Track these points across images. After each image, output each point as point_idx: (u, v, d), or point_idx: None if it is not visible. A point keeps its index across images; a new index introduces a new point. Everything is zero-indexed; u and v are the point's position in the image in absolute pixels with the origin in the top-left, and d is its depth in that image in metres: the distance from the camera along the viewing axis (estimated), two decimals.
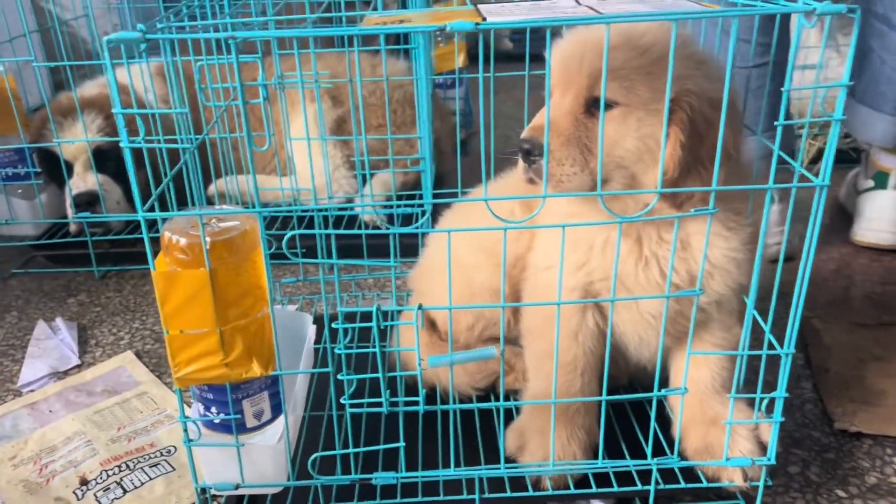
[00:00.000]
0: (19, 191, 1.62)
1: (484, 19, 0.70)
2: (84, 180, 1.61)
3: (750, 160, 0.90)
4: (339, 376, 0.83)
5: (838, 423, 1.09)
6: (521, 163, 0.83)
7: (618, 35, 0.81)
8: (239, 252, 0.79)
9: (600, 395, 0.88)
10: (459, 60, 2.10)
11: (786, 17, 1.10)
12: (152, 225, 0.80)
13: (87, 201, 1.58)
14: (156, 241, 0.82)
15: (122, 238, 1.64)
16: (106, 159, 1.63)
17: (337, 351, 0.81)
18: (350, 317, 1.24)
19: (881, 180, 1.61)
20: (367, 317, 1.17)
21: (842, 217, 1.73)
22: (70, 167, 1.62)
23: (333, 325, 0.83)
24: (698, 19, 1.01)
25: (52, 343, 1.38)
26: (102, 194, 1.60)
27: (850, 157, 1.98)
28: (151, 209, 0.80)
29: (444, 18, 0.76)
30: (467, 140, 2.24)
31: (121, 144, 0.75)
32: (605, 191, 0.82)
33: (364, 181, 1.64)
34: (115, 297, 1.55)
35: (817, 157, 2.01)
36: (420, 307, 0.80)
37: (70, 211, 1.62)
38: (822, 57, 0.91)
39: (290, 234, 0.78)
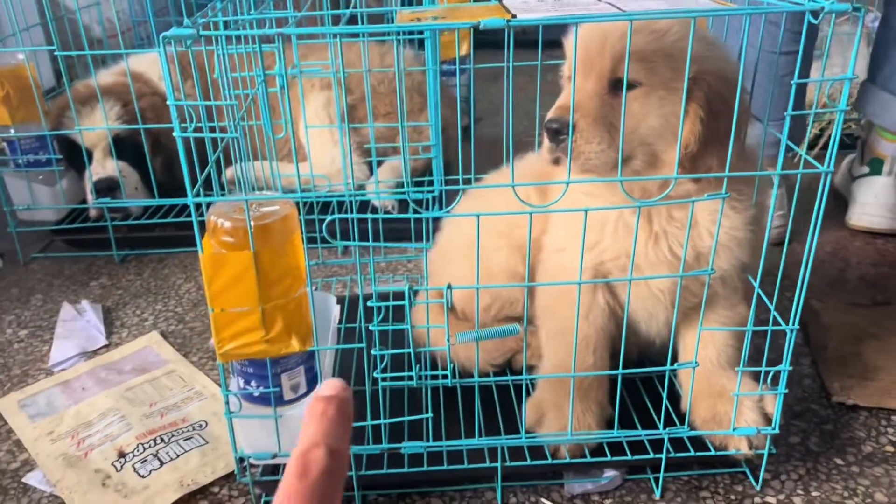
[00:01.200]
0: (40, 177, 1.65)
1: (514, 16, 0.75)
2: (103, 167, 1.65)
3: (755, 144, 0.95)
4: (372, 352, 0.88)
5: (836, 397, 1.15)
6: (546, 143, 0.88)
7: (618, 27, 0.86)
8: (280, 235, 0.84)
9: (612, 370, 0.94)
10: (463, 49, 2.14)
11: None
12: (198, 207, 0.84)
13: (108, 187, 1.62)
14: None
15: (141, 223, 1.69)
16: (124, 146, 1.67)
17: (371, 328, 0.86)
18: (382, 297, 1.30)
19: (876, 166, 1.67)
20: (397, 296, 1.22)
21: (837, 202, 1.80)
22: (89, 154, 1.66)
23: (368, 304, 0.88)
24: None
25: (79, 324, 1.43)
26: (122, 180, 1.64)
27: (845, 143, 2.04)
28: (197, 195, 0.84)
29: (473, 15, 0.81)
30: (470, 126, 2.28)
31: (174, 134, 0.79)
32: (627, 168, 0.88)
33: (374, 167, 1.68)
34: (135, 280, 1.60)
35: (813, 144, 2.07)
36: (449, 286, 0.85)
37: (90, 196, 1.66)
38: (828, 48, 0.96)
39: (329, 217, 0.83)
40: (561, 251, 0.99)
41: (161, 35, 0.73)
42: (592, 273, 0.96)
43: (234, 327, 0.85)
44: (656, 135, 0.87)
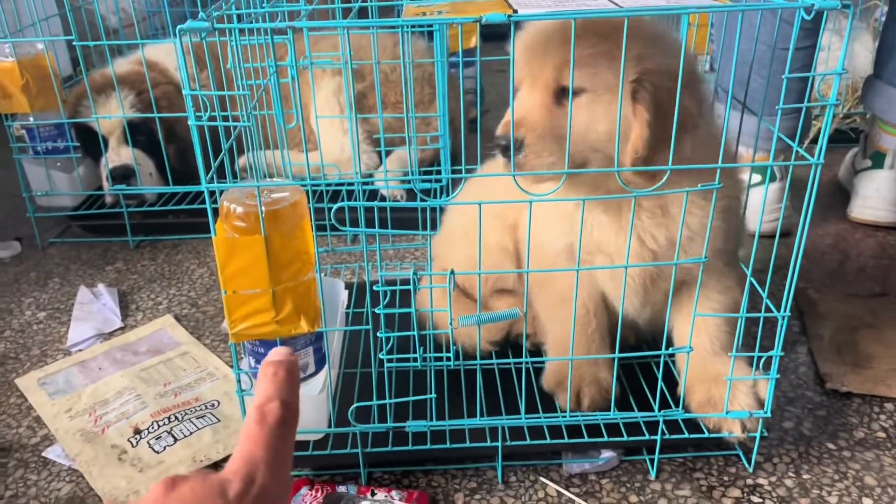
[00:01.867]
0: (58, 164, 1.70)
1: (515, 11, 0.78)
2: (119, 154, 1.69)
3: (720, 126, 0.94)
4: (378, 334, 0.92)
5: (830, 384, 1.18)
6: (500, 157, 0.88)
7: (578, 23, 0.85)
8: (290, 220, 0.87)
9: (610, 352, 0.98)
10: (470, 41, 2.17)
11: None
12: (212, 194, 0.87)
13: (123, 174, 1.67)
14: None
15: (155, 210, 1.73)
16: (138, 134, 1.71)
17: (377, 311, 0.90)
18: (388, 282, 1.34)
19: (878, 160, 1.69)
20: (403, 281, 1.26)
21: (839, 195, 1.82)
22: (105, 141, 1.70)
23: (375, 288, 0.91)
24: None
25: (95, 307, 1.47)
26: (137, 168, 1.68)
27: (849, 137, 2.06)
28: (210, 181, 0.87)
29: (477, 9, 0.84)
30: (477, 118, 2.31)
31: (189, 123, 0.82)
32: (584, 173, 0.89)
33: (383, 157, 1.72)
34: (150, 266, 1.64)
35: (818, 137, 2.08)
36: (452, 272, 0.89)
37: (106, 183, 1.70)
38: (820, 41, 0.99)
39: (337, 205, 0.86)
40: (539, 235, 1.01)
41: (178, 28, 0.77)
42: (568, 254, 0.99)
43: (246, 309, 0.89)
44: (606, 139, 0.86)
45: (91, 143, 1.72)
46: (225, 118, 0.97)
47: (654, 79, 0.85)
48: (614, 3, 0.83)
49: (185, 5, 2.38)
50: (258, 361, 0.95)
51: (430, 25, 1.54)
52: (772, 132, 0.93)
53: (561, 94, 0.87)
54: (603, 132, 0.86)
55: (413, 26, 1.74)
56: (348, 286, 1.32)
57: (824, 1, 0.75)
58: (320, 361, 0.98)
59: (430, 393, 0.97)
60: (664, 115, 0.84)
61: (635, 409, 1.04)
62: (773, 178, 1.60)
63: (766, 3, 0.81)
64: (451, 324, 0.92)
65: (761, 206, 1.00)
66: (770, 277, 0.93)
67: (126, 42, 1.74)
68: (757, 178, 1.59)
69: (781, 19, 1.39)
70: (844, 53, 0.81)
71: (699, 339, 1.03)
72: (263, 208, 0.85)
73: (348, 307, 1.28)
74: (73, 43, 1.54)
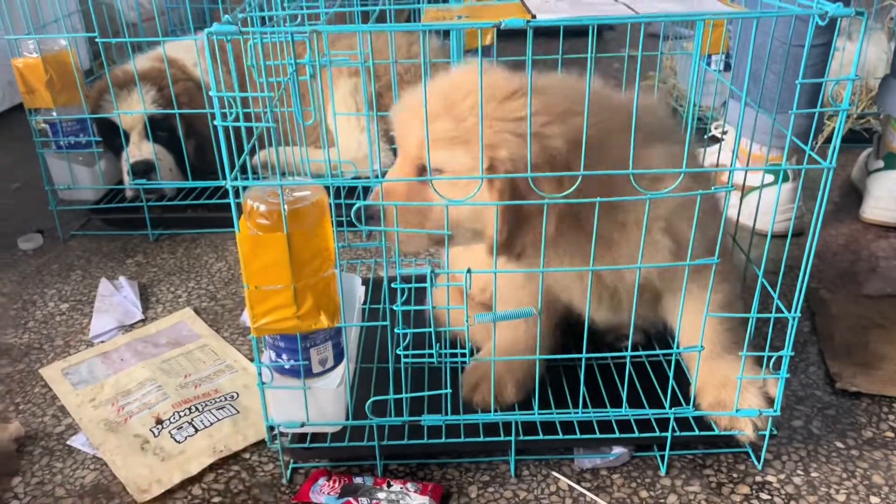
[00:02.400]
0: (80, 158, 1.73)
1: (533, 16, 0.80)
2: (140, 149, 1.72)
3: (681, 140, 0.90)
4: (396, 330, 0.94)
5: (840, 384, 1.19)
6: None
7: (439, 102, 0.87)
8: (312, 218, 0.90)
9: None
10: (486, 39, 2.18)
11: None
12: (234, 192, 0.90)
13: (144, 169, 1.70)
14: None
15: (175, 204, 1.76)
16: (159, 129, 1.74)
17: (395, 308, 0.92)
18: (405, 279, 1.36)
19: (891, 161, 1.69)
20: (419, 279, 1.28)
21: (852, 195, 1.83)
22: (126, 136, 1.73)
23: (392, 286, 0.93)
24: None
25: (116, 299, 1.50)
26: (157, 163, 1.71)
27: (862, 137, 2.06)
28: (232, 178, 0.89)
29: (495, 13, 0.86)
30: None
31: (215, 123, 0.84)
32: (452, 243, 0.92)
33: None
34: (169, 259, 1.67)
35: (831, 137, 2.09)
36: (469, 270, 0.91)
37: (127, 178, 1.73)
38: (835, 41, 1.00)
39: (357, 204, 0.89)
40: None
41: (206, 31, 0.79)
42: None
43: (268, 304, 0.91)
44: (469, 219, 0.88)
45: (112, 138, 1.75)
46: (246, 116, 0.99)
47: (508, 166, 0.84)
48: (631, 9, 0.84)
49: (204, 2, 2.41)
50: (278, 355, 0.98)
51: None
52: (785, 130, 0.94)
53: (424, 172, 0.88)
54: (463, 211, 0.88)
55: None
56: (364, 282, 1.35)
57: (839, 9, 0.76)
58: (339, 356, 1.00)
59: (446, 388, 1.00)
60: (521, 198, 0.85)
61: (646, 406, 1.05)
62: (785, 179, 1.61)
63: (780, 10, 0.82)
64: (466, 321, 0.94)
65: (774, 206, 1.01)
66: (781, 278, 0.95)
67: (147, 40, 1.76)
68: (770, 177, 1.60)
69: (797, 17, 1.41)
70: (858, 59, 0.82)
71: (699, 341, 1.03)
72: (286, 206, 0.88)
73: (365, 303, 1.31)
74: (96, 39, 1.57)
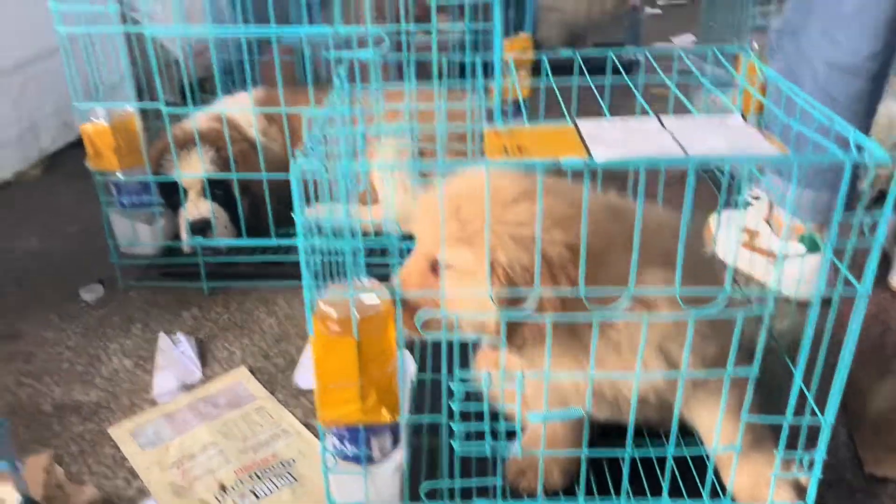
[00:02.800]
0: (142, 216, 1.83)
1: (589, 154, 0.87)
2: (198, 207, 1.81)
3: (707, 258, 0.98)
4: (452, 426, 1.02)
5: (868, 468, 1.24)
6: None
7: (449, 203, 0.95)
8: (379, 325, 0.97)
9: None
10: (522, 92, 2.25)
11: None
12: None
13: (202, 227, 1.79)
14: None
15: (228, 260, 1.85)
16: (216, 188, 1.83)
17: (452, 406, 1.00)
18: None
19: None
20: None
21: (883, 262, 1.86)
22: (184, 192, 1.83)
23: (451, 385, 1.01)
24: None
25: (175, 354, 1.59)
26: (213, 220, 1.80)
27: None
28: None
29: (552, 141, 0.93)
30: None
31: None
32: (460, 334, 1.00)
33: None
34: (223, 314, 1.76)
35: (879, 197, 2.08)
36: (522, 373, 0.98)
37: (185, 234, 1.82)
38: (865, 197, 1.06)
39: (420, 314, 0.96)
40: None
41: (292, 168, 0.87)
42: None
43: (336, 398, 0.99)
44: (477, 311, 0.95)
45: (171, 195, 1.84)
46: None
47: (506, 269, 0.92)
48: (678, 142, 0.91)
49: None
50: (341, 441, 1.06)
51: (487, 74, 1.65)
52: (817, 201, 0.99)
53: (436, 265, 0.98)
54: (469, 306, 0.96)
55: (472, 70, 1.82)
56: (409, 346, 1.42)
57: (875, 159, 0.83)
58: (395, 441, 1.08)
59: (496, 475, 1.07)
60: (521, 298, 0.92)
61: (685, 495, 1.12)
62: (815, 248, 1.66)
63: (816, 153, 0.88)
64: (518, 416, 1.01)
65: (801, 275, 1.03)
66: (802, 364, 1.00)
67: (206, 108, 1.85)
68: (802, 248, 1.65)
69: (840, 70, 1.42)
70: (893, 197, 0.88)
71: (724, 443, 1.08)
72: (357, 315, 0.96)
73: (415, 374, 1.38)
74: (162, 109, 1.66)
